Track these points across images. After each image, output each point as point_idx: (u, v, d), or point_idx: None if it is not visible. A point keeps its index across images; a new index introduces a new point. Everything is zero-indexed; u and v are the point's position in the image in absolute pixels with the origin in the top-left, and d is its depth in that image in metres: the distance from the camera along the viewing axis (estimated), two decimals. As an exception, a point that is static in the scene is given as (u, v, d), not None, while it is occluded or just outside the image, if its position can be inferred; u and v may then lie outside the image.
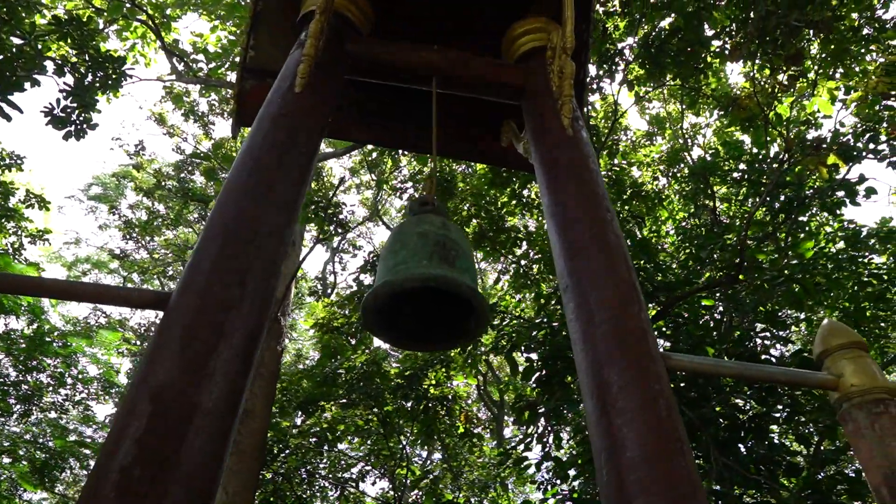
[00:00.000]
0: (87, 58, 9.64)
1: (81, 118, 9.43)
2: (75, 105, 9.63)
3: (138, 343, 16.32)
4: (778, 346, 7.10)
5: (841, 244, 9.39)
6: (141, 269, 17.36)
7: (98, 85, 9.50)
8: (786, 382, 2.04)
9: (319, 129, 2.49)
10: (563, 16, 2.83)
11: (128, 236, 16.85)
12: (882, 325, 10.33)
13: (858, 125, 7.90)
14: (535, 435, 7.62)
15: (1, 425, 13.28)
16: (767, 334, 5.80)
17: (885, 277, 9.36)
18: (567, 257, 2.27)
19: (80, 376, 13.82)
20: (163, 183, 15.10)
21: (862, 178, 8.62)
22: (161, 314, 1.81)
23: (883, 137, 8.35)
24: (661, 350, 2.03)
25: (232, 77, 12.16)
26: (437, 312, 2.17)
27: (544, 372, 7.34)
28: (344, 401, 8.07)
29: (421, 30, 3.21)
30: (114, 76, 9.49)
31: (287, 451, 8.61)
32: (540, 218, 10.87)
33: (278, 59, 3.49)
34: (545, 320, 7.48)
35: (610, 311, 2.04)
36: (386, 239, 2.11)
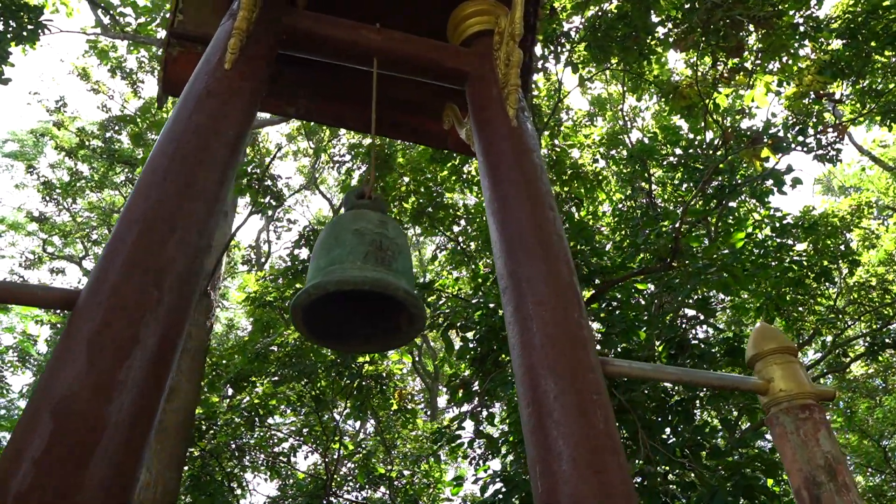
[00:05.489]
0: (-2, 5, 8.87)
1: (-7, 71, 8.71)
2: (-16, 56, 8.88)
3: (58, 312, 15.53)
4: (704, 329, 7.36)
5: (767, 230, 9.77)
6: (63, 232, 16.44)
7: (11, 36, 8.78)
8: (721, 387, 2.06)
9: (250, 108, 2.33)
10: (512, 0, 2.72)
11: (48, 198, 15.88)
12: (800, 308, 10.86)
13: (789, 118, 8.17)
14: (469, 413, 7.68)
15: None
16: (696, 319, 5.99)
17: (805, 264, 9.84)
18: (507, 257, 2.21)
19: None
20: (86, 142, 14.24)
21: (789, 168, 8.93)
22: (69, 315, 1.65)
23: (811, 131, 8.67)
24: (601, 356, 2.00)
25: (163, 35, 11.48)
26: (373, 309, 2.07)
27: (479, 351, 7.38)
28: (276, 378, 7.90)
29: (362, 4, 3.04)
30: (30, 27, 8.78)
31: (216, 427, 8.40)
32: (479, 196, 10.84)
33: (210, 25, 3.26)
34: (482, 300, 7.49)
35: (549, 316, 1.99)
36: (320, 233, 1.98)
